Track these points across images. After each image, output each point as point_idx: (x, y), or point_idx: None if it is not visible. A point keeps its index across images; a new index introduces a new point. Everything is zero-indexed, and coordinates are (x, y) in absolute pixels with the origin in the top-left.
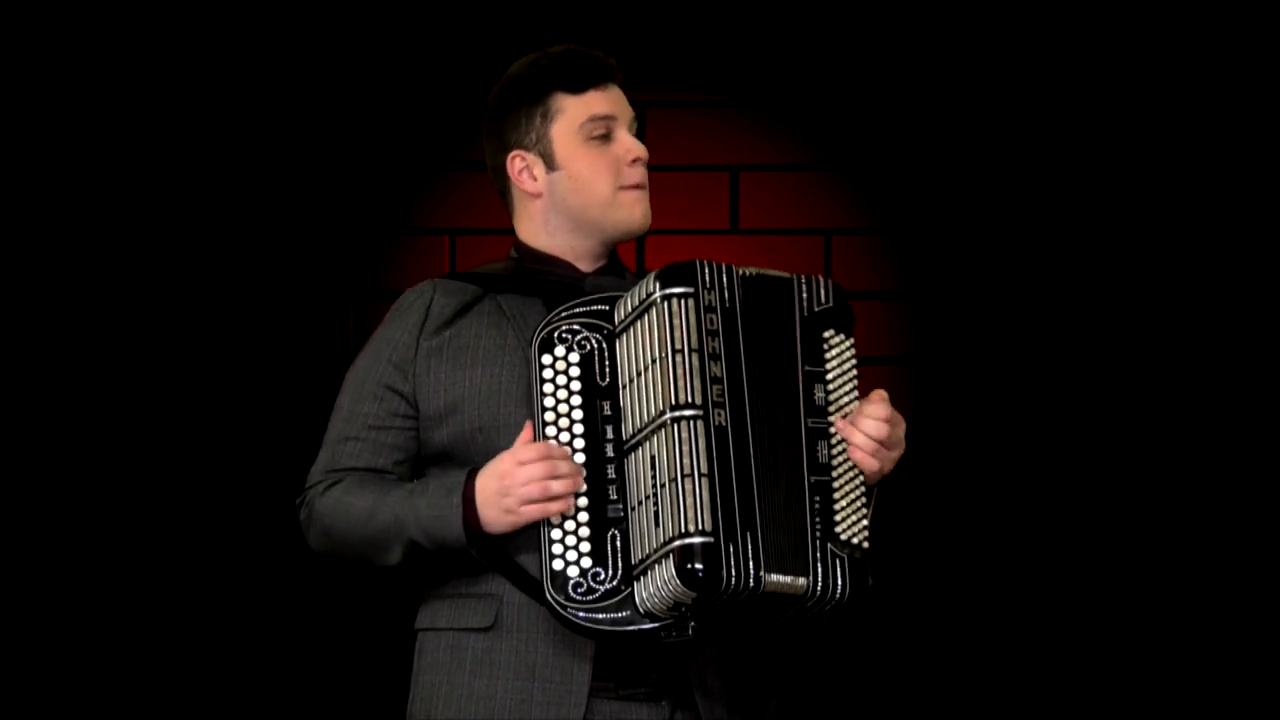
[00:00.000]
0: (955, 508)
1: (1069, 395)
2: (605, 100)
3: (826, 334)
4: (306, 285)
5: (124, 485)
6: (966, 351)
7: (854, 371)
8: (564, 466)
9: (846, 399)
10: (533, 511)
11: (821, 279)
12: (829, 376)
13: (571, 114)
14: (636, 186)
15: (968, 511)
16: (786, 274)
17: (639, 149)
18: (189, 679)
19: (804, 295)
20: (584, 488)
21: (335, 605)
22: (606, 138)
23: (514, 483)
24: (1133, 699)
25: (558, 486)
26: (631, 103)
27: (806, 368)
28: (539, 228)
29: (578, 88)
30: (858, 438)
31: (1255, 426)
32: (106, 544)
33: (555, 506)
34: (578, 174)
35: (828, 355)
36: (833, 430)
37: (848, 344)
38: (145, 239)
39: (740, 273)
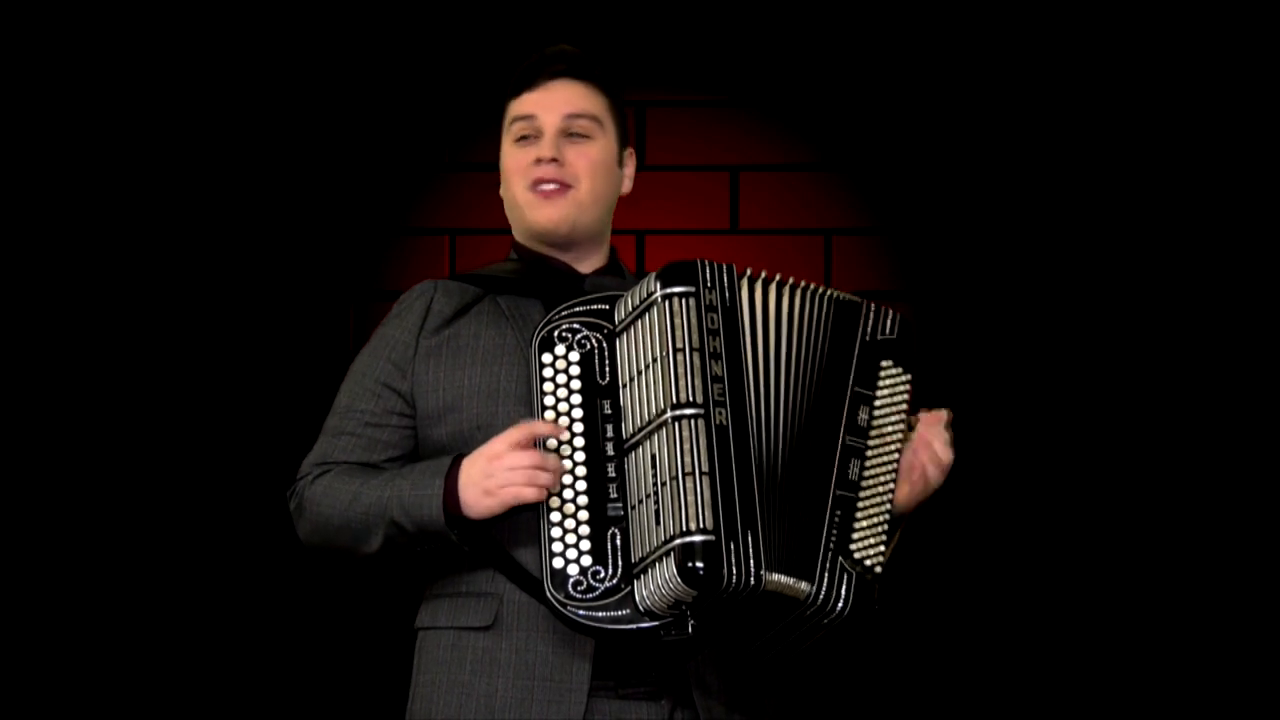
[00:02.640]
0: (955, 507)
1: (1069, 395)
2: (532, 101)
3: (885, 363)
4: (306, 285)
5: (124, 484)
6: (966, 351)
7: (905, 405)
8: (551, 461)
9: (891, 428)
10: (510, 495)
11: (892, 311)
12: (877, 402)
13: (509, 118)
14: (541, 187)
15: (967, 511)
16: (858, 299)
17: (542, 149)
18: (189, 679)
19: (870, 322)
20: (582, 485)
21: (335, 605)
22: (530, 138)
23: (500, 466)
24: (1133, 700)
25: (545, 478)
26: (631, 103)
27: (856, 388)
28: (512, 226)
29: (516, 91)
30: (931, 470)
31: (1255, 426)
32: (106, 544)
33: (531, 493)
34: (503, 175)
35: (881, 382)
36: (869, 453)
37: (904, 378)
38: (146, 239)
39: (822, 292)
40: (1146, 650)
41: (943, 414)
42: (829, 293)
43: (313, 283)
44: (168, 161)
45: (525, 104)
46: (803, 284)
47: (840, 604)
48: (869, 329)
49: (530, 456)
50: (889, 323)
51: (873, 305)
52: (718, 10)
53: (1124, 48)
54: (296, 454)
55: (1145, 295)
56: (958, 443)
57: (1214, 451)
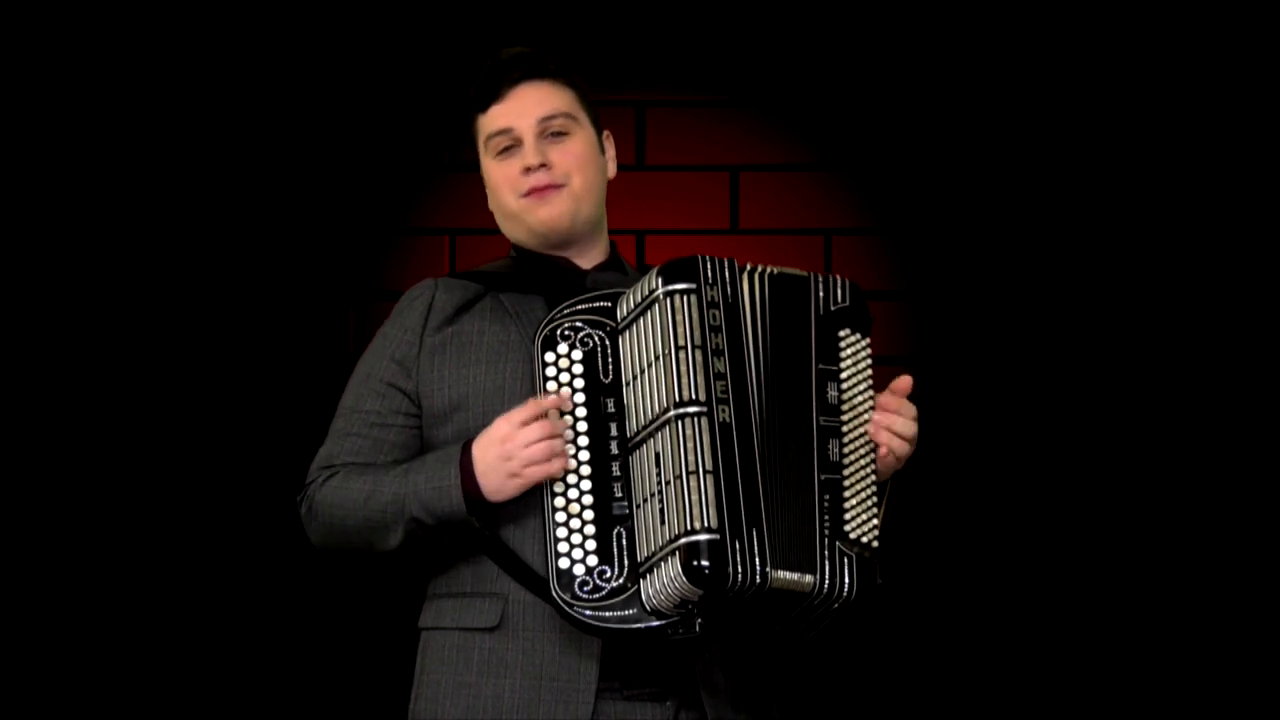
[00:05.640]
0: (955, 507)
1: (1069, 395)
2: (503, 112)
3: (842, 333)
4: (306, 285)
5: (124, 485)
6: (966, 351)
7: (869, 371)
8: (559, 428)
9: (861, 398)
10: (536, 473)
11: (839, 278)
12: (843, 375)
13: (482, 134)
14: (532, 192)
15: (968, 511)
16: (804, 272)
17: (528, 158)
18: (189, 679)
19: (821, 294)
20: (587, 484)
21: (337, 604)
22: (511, 149)
23: (516, 445)
24: (1133, 699)
25: (558, 445)
26: (631, 103)
27: (820, 366)
28: (508, 235)
29: (483, 105)
30: (895, 443)
31: (1255, 426)
32: (106, 544)
33: (558, 465)
34: (491, 190)
35: (842, 354)
36: (845, 429)
37: (863, 343)
38: (146, 239)
39: (759, 270)
40: (1146, 647)
41: (904, 382)
42: (773, 271)
43: (313, 283)
44: (168, 162)
45: (496, 118)
46: (750, 266)
47: (846, 590)
48: (821, 301)
49: (541, 429)
50: (840, 290)
51: (820, 276)
52: (718, 10)
53: (1124, 48)
54: (297, 454)
55: (1146, 295)
56: (957, 441)
57: (1213, 451)
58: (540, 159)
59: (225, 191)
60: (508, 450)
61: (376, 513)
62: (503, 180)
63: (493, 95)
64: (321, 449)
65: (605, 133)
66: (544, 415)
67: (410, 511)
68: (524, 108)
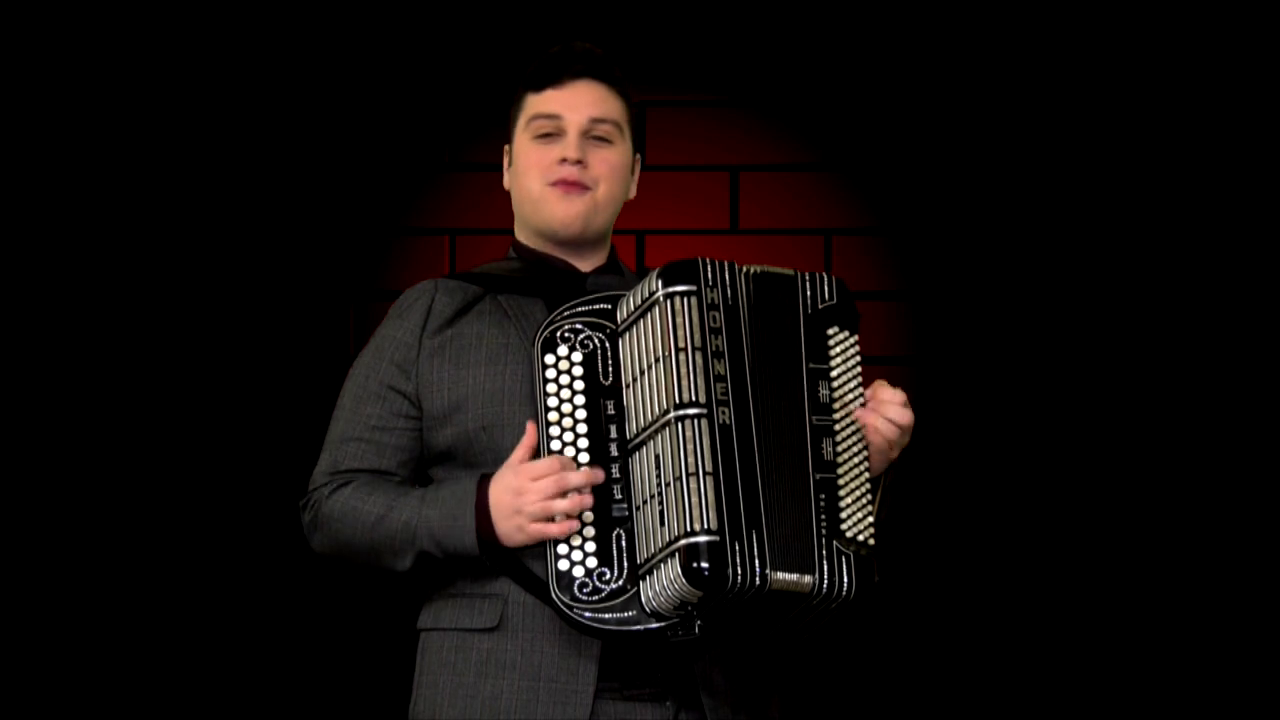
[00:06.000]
0: (955, 507)
1: (1069, 395)
2: (557, 99)
3: (830, 331)
4: (306, 285)
5: (124, 485)
6: (966, 351)
7: (858, 368)
8: (574, 479)
9: (851, 396)
10: (539, 531)
11: (825, 276)
12: (833, 374)
13: (527, 112)
14: (562, 184)
15: (968, 511)
16: (790, 271)
17: (568, 150)
18: (189, 679)
19: (808, 292)
20: (589, 501)
21: (336, 605)
22: (553, 136)
23: (527, 501)
24: (1133, 699)
25: (562, 505)
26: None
27: (811, 365)
28: (517, 222)
29: (538, 86)
30: (881, 424)
31: (1255, 426)
32: (107, 544)
33: (564, 528)
34: (518, 169)
35: (832, 352)
36: (837, 427)
37: (852, 341)
38: (146, 239)
39: (745, 270)
40: (1146, 647)
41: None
42: (762, 270)
43: (313, 283)
44: (168, 162)
45: (549, 101)
46: (741, 267)
47: (844, 589)
48: (808, 300)
49: (554, 484)
50: (827, 288)
51: (806, 275)
52: (718, 10)
53: (1124, 48)
54: (298, 454)
55: (1146, 295)
56: (957, 441)
57: (1214, 450)
58: (580, 155)
59: (225, 192)
60: (519, 504)
61: (386, 538)
62: (534, 162)
63: (553, 79)
64: (323, 455)
65: (637, 156)
66: (561, 471)
67: (421, 544)
68: (579, 102)
